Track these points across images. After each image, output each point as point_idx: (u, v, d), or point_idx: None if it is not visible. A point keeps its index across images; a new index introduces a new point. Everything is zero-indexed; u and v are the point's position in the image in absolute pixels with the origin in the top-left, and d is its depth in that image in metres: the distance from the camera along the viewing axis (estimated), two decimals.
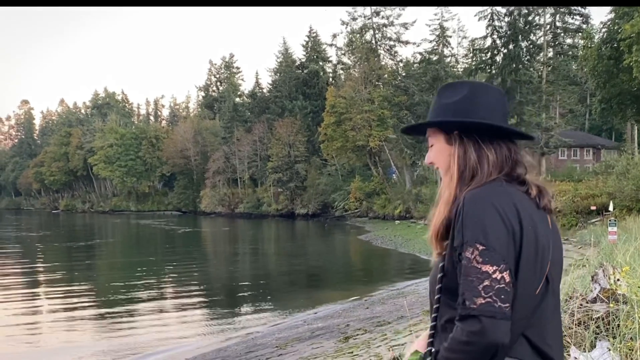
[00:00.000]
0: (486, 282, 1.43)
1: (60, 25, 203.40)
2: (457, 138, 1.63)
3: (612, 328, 3.72)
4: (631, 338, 3.52)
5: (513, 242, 1.48)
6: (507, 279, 1.44)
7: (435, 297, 1.61)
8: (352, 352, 7.90)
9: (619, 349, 3.48)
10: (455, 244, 1.51)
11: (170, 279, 21.85)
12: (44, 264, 26.71)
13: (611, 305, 3.86)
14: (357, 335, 9.76)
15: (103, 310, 15.49)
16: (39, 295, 18.56)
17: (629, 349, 3.42)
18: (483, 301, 1.42)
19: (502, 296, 1.43)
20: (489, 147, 1.61)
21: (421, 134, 1.76)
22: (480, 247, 1.45)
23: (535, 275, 1.52)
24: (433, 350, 1.59)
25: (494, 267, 1.44)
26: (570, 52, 48.04)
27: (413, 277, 20.05)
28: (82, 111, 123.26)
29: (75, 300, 16.97)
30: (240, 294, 18.40)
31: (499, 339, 1.42)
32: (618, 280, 4.01)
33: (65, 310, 15.61)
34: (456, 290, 1.50)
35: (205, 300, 17.49)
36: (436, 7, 52.01)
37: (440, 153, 1.68)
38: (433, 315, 1.64)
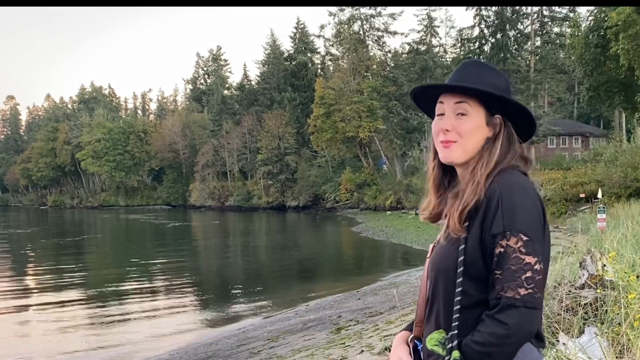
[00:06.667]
0: (529, 274, 1.44)
1: (45, 19, 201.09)
2: (503, 124, 1.59)
3: (600, 314, 3.75)
4: (618, 323, 3.55)
5: (544, 233, 1.51)
6: (542, 269, 1.47)
7: (448, 282, 1.54)
8: (344, 343, 7.91)
9: (606, 334, 3.51)
10: (493, 231, 1.47)
11: (160, 274, 21.73)
12: (32, 262, 26.53)
13: (599, 291, 3.89)
14: (349, 326, 9.78)
15: (93, 308, 15.37)
16: (28, 291, 18.45)
17: (616, 334, 3.44)
18: (525, 292, 1.43)
19: (540, 287, 1.46)
20: (517, 140, 1.62)
21: (430, 102, 1.64)
22: (525, 238, 1.45)
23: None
24: (451, 334, 1.51)
25: (535, 259, 1.45)
26: (557, 41, 48.20)
27: (405, 267, 20.12)
28: (69, 106, 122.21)
29: (64, 297, 16.76)
30: (232, 288, 18.36)
31: (535, 329, 1.47)
32: (604, 266, 4.04)
33: (54, 307, 15.43)
34: (478, 277, 1.49)
35: (196, 294, 17.42)
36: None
37: (478, 129, 1.58)
38: (444, 299, 1.55)
